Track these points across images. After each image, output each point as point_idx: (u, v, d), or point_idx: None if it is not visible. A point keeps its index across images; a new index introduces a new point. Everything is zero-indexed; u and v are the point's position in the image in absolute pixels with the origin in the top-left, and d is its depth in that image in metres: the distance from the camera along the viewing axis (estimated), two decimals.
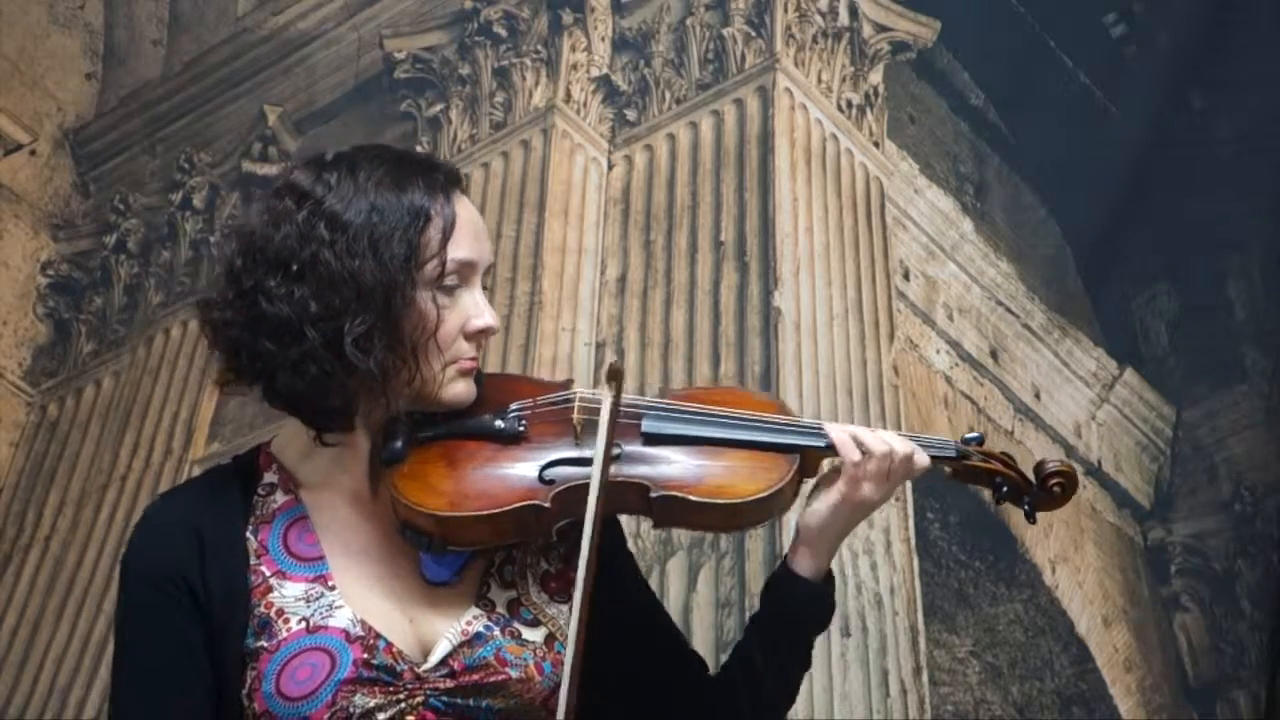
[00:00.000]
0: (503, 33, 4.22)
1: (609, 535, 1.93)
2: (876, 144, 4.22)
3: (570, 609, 1.85)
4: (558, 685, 1.87)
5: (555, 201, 4.09)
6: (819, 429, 1.98)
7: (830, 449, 1.96)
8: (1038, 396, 4.26)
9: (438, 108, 4.23)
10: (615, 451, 1.88)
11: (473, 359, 1.90)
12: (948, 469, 2.05)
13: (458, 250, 1.86)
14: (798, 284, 4.00)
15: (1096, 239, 4.34)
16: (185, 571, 1.86)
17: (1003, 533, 4.08)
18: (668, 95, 4.18)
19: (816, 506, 1.98)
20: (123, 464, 4.15)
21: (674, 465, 1.92)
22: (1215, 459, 4.30)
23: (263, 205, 1.89)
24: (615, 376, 1.85)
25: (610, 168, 4.15)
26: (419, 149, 4.18)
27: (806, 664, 2.04)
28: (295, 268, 1.82)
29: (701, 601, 3.70)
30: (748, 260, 4.02)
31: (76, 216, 4.38)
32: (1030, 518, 2.05)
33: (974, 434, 2.05)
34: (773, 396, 2.09)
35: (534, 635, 1.90)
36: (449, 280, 1.86)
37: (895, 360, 4.07)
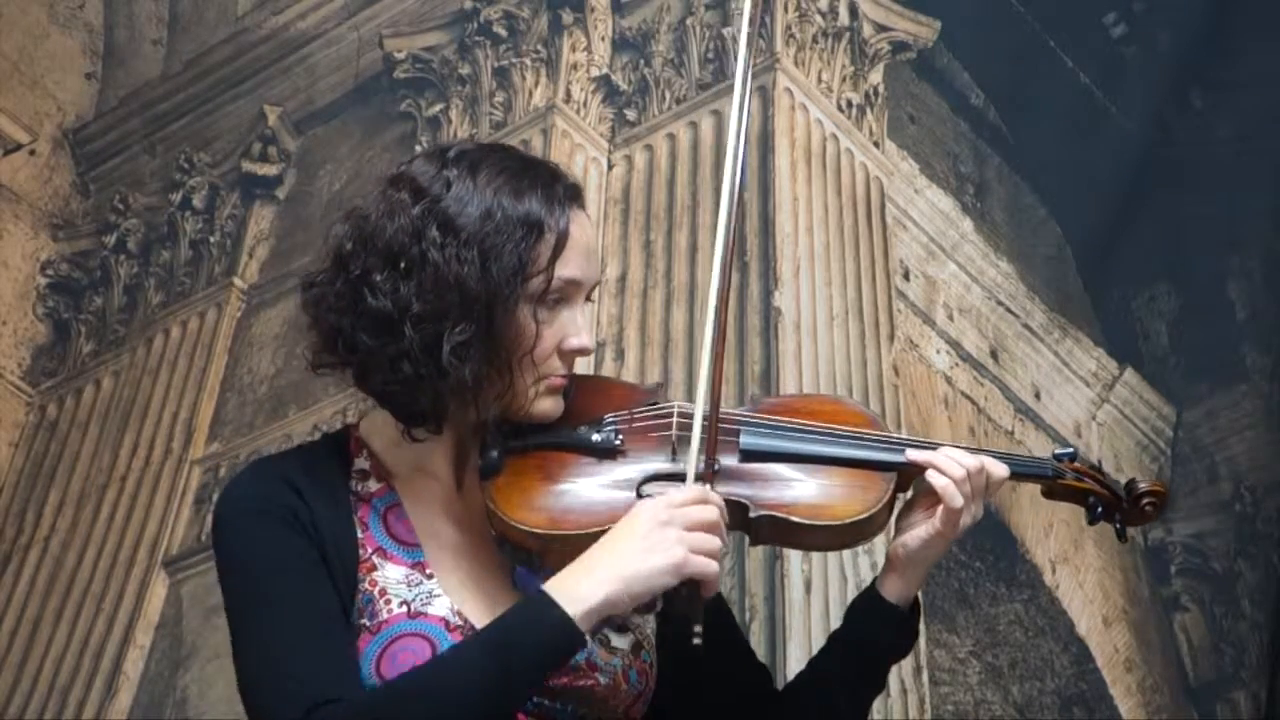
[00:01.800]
0: (503, 33, 4.22)
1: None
2: (876, 144, 4.22)
3: (664, 611, 1.85)
4: (641, 693, 1.90)
5: None
6: (900, 444, 1.96)
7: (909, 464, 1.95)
8: (1038, 396, 4.25)
9: (438, 108, 4.23)
10: (714, 468, 1.87)
11: (564, 377, 1.88)
12: (1042, 487, 2.03)
13: (565, 269, 1.84)
14: (798, 284, 4.00)
15: (1096, 239, 4.34)
16: (296, 512, 1.82)
17: (1003, 533, 4.08)
18: (668, 95, 4.18)
19: (909, 538, 1.96)
20: (123, 464, 4.15)
21: (773, 484, 1.90)
22: (1215, 459, 4.30)
23: (379, 192, 1.87)
24: None
25: (610, 167, 4.15)
26: (418, 149, 4.18)
27: (880, 687, 2.03)
28: (403, 264, 1.81)
29: None
30: (748, 260, 4.02)
31: (76, 216, 4.38)
32: (1121, 536, 2.04)
33: (1067, 450, 2.04)
34: (864, 407, 2.07)
35: (621, 642, 1.90)
36: (552, 296, 1.85)
37: (895, 360, 4.07)
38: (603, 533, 1.82)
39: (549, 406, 1.88)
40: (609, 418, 1.92)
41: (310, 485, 1.85)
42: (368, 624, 1.82)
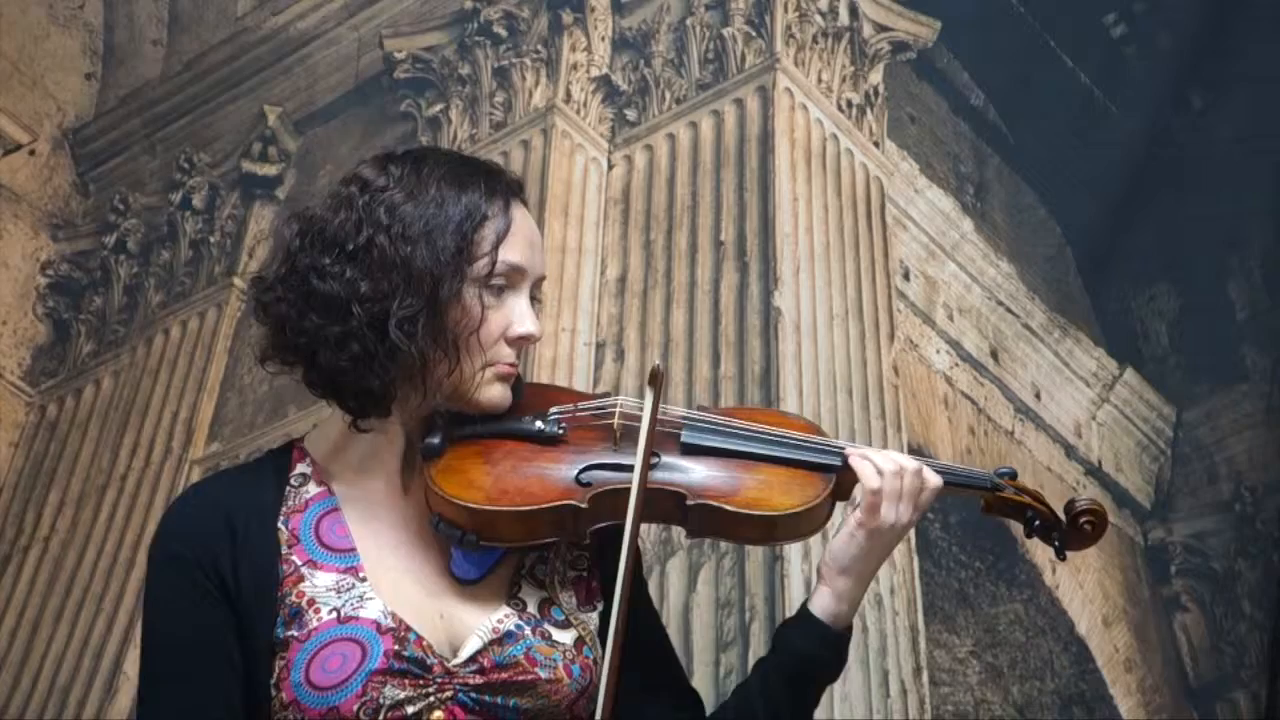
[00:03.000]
0: (503, 33, 4.22)
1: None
2: (876, 144, 4.22)
3: (607, 608, 1.86)
4: (584, 689, 1.90)
5: (555, 201, 4.09)
6: (840, 449, 1.98)
7: (848, 468, 1.96)
8: (1038, 396, 4.25)
9: (438, 108, 4.23)
10: (653, 460, 1.90)
11: (512, 364, 1.92)
12: (981, 500, 2.05)
13: (509, 253, 1.89)
14: (798, 284, 4.00)
15: (1096, 239, 4.34)
16: (215, 557, 1.86)
17: (1003, 533, 4.08)
18: (668, 95, 4.18)
19: (835, 538, 1.97)
20: (122, 464, 4.15)
21: (711, 476, 1.94)
22: (1215, 459, 4.30)
23: (328, 192, 1.93)
24: (656, 379, 1.88)
25: (610, 168, 4.15)
26: None
27: (812, 711, 2.02)
28: (350, 248, 1.86)
29: (701, 601, 3.70)
30: (748, 260, 4.02)
31: (76, 216, 4.38)
32: (1060, 554, 2.06)
33: (1006, 468, 2.07)
34: (806, 418, 2.10)
35: (564, 637, 1.91)
36: (497, 281, 1.89)
37: (895, 360, 4.07)
38: (538, 511, 1.86)
39: (496, 394, 1.91)
40: (554, 410, 1.96)
41: (242, 511, 1.89)
42: (296, 634, 1.84)
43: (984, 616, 4.04)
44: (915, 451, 3.94)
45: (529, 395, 1.97)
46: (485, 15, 4.22)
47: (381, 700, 1.81)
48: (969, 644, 3.99)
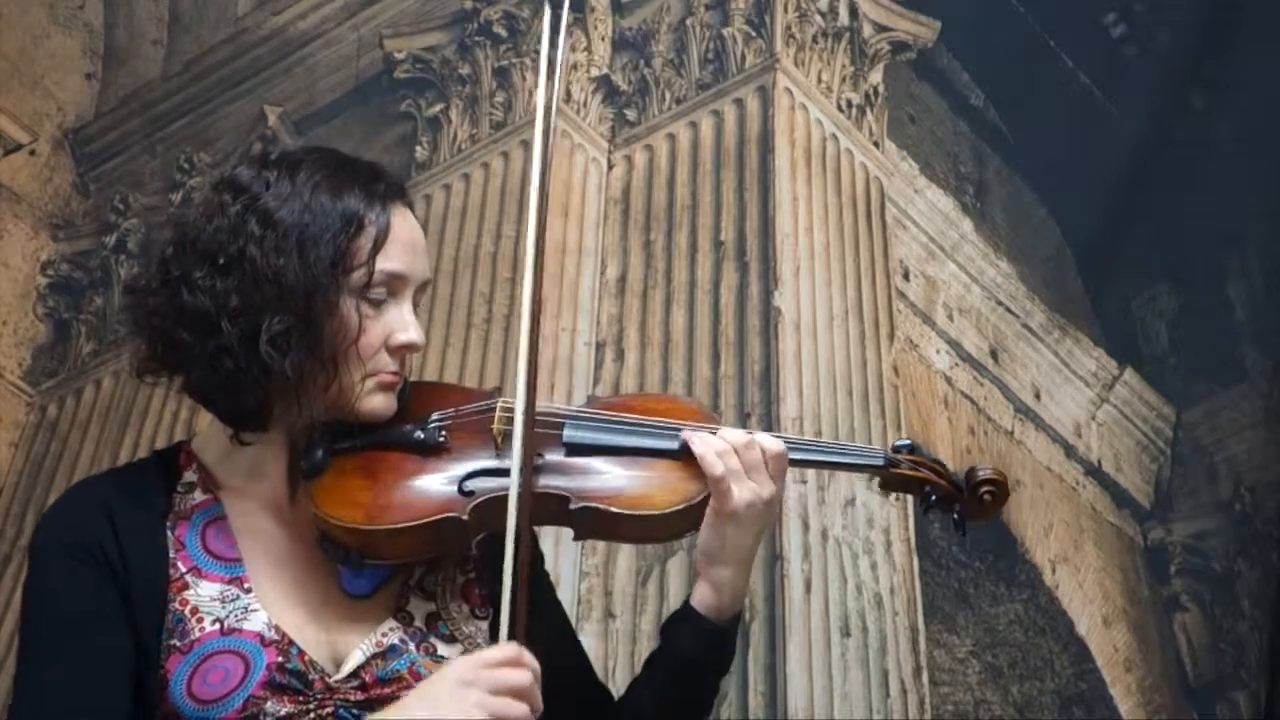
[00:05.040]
0: (502, 33, 4.22)
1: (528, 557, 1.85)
2: (876, 144, 4.22)
3: (497, 613, 1.82)
4: None
5: (555, 201, 4.09)
6: (679, 432, 1.92)
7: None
8: (1038, 396, 4.25)
9: (438, 108, 4.23)
10: (537, 462, 1.86)
11: (394, 373, 1.87)
12: (876, 479, 2.00)
13: (387, 262, 1.84)
14: (798, 284, 4.00)
15: (1096, 239, 4.34)
16: (103, 545, 1.81)
17: (1003, 533, 4.08)
18: (668, 95, 4.18)
19: (701, 530, 1.93)
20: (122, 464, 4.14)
21: (594, 476, 1.90)
22: (1215, 459, 4.30)
23: (202, 197, 1.88)
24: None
25: (610, 168, 4.15)
26: (419, 149, 4.19)
27: (704, 708, 1.99)
28: (222, 261, 1.81)
29: None
30: (748, 260, 4.02)
31: (76, 216, 4.38)
32: (960, 528, 1.99)
33: (905, 441, 2.01)
34: (701, 404, 2.04)
35: (449, 652, 1.87)
36: (375, 292, 1.84)
37: (895, 360, 4.07)
38: (420, 527, 1.82)
39: (379, 404, 1.87)
40: (435, 416, 1.91)
41: (125, 509, 1.84)
42: (178, 644, 1.79)
43: (984, 616, 4.04)
44: None
45: (415, 395, 1.93)
46: (485, 15, 4.22)
47: (263, 716, 1.77)
48: (969, 644, 3.99)
